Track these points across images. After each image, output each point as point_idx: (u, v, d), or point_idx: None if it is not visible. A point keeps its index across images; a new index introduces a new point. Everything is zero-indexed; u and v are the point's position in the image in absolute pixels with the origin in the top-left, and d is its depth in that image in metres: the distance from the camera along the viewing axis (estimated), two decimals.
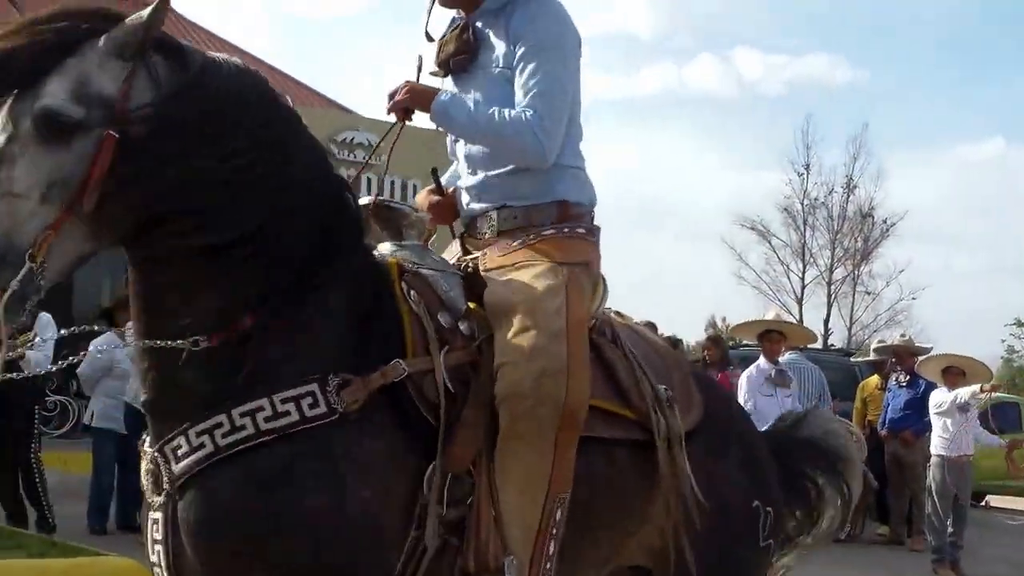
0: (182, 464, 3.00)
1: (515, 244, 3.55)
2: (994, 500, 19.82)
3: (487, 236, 3.64)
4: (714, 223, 77.60)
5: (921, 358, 12.92)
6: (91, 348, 9.12)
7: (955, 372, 11.66)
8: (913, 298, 40.02)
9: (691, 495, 3.52)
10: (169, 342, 2.99)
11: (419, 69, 3.70)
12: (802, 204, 40.57)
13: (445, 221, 3.82)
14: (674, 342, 13.09)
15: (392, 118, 3.71)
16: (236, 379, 3.00)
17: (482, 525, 3.19)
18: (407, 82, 3.64)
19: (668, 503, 3.50)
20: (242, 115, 3.01)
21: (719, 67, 72.23)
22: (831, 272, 40.66)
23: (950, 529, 11.59)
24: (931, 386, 12.22)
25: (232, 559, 2.96)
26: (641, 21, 75.39)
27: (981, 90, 65.66)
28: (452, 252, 3.74)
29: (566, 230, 3.58)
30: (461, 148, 3.75)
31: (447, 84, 3.70)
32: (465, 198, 3.72)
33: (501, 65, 3.56)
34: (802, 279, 40.89)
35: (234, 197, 2.97)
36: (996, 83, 66.86)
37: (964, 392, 11.34)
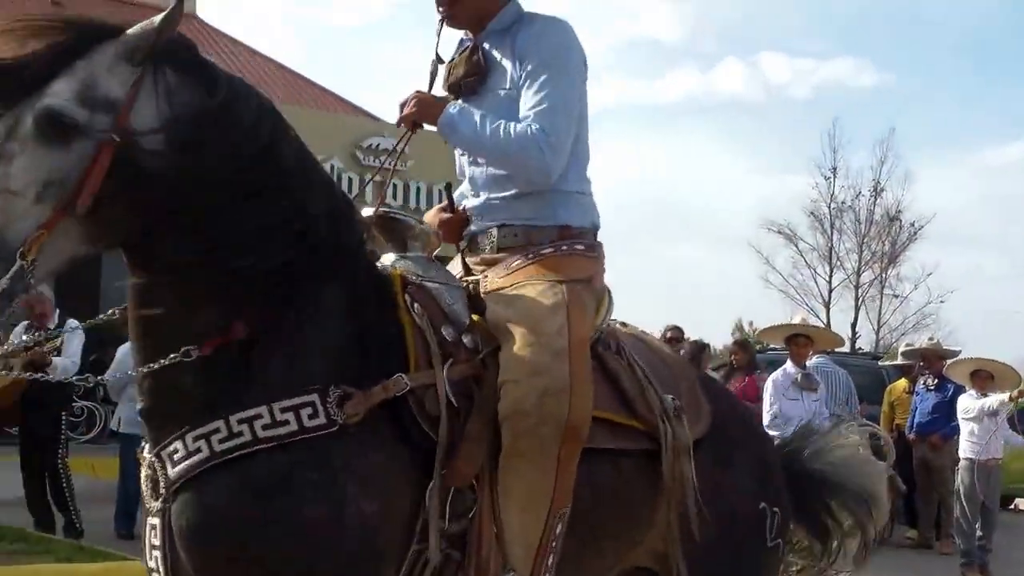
0: (178, 468, 2.99)
1: (515, 263, 3.53)
2: (1023, 503, 19.68)
3: (487, 252, 3.63)
4: (741, 227, 77.29)
5: (949, 361, 12.86)
6: (118, 354, 9.16)
7: (983, 376, 11.59)
8: (941, 301, 39.78)
9: (694, 506, 3.50)
10: (162, 361, 2.97)
11: (432, 77, 3.69)
12: (829, 207, 40.50)
13: (454, 239, 3.78)
14: (701, 346, 13.11)
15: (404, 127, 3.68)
16: (235, 385, 2.99)
17: (483, 541, 3.18)
18: (416, 92, 3.62)
19: (669, 513, 3.49)
20: (255, 141, 3.01)
21: (745, 71, 71.94)
22: (858, 275, 40.55)
23: (978, 532, 11.53)
24: (959, 389, 12.15)
25: (226, 565, 2.95)
26: (666, 26, 75.25)
27: (1008, 92, 65.21)
28: (454, 268, 3.72)
29: (564, 248, 3.56)
30: (467, 169, 3.75)
31: None
32: None
33: (509, 87, 3.55)
34: (829, 283, 40.82)
35: (237, 210, 2.97)
36: (1023, 85, 66.47)
37: (992, 401, 11.30)
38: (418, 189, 21.06)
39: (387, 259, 3.51)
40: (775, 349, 14.73)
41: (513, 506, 3.20)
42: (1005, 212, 62.22)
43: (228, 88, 3.03)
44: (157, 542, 3.05)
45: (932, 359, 13.31)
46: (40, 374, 8.52)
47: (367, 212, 3.54)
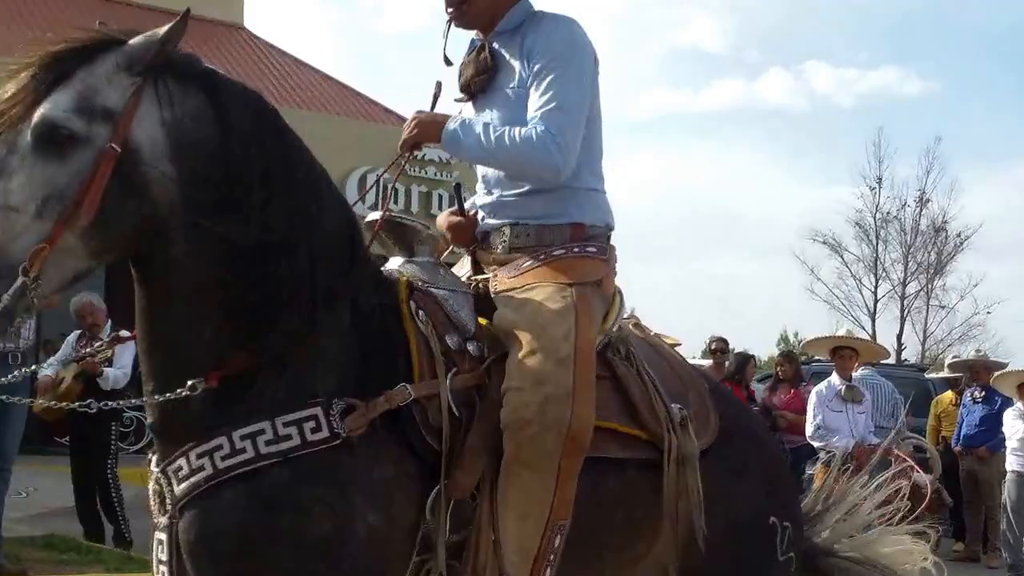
0: (183, 486, 2.98)
1: (525, 265, 3.50)
2: None
3: (499, 251, 3.61)
4: (786, 237, 77.07)
5: (997, 373, 12.76)
6: None
7: None
8: (988, 312, 39.41)
9: (698, 518, 3.44)
10: (169, 395, 2.95)
11: (435, 97, 3.66)
12: (874, 218, 40.13)
13: (464, 243, 3.75)
14: (746, 358, 13.07)
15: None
16: (239, 401, 2.97)
17: (481, 550, 3.16)
18: (416, 114, 3.59)
19: (672, 523, 3.43)
20: (262, 151, 2.99)
21: (790, 81, 71.92)
22: (904, 286, 40.16)
23: None
24: (1007, 401, 12.04)
25: None
26: (711, 36, 75.23)
27: None
28: (463, 267, 3.71)
29: (576, 250, 3.52)
30: (479, 168, 3.73)
31: (468, 108, 3.67)
32: (480, 214, 3.71)
33: (517, 85, 3.52)
34: (875, 294, 40.47)
35: (244, 223, 2.93)
36: None
37: None
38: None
39: (394, 263, 3.51)
40: (821, 360, 14.66)
41: (511, 514, 3.18)
42: None
43: (231, 97, 3.00)
44: (164, 557, 3.04)
45: (979, 371, 13.25)
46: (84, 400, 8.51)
47: (374, 216, 3.53)
